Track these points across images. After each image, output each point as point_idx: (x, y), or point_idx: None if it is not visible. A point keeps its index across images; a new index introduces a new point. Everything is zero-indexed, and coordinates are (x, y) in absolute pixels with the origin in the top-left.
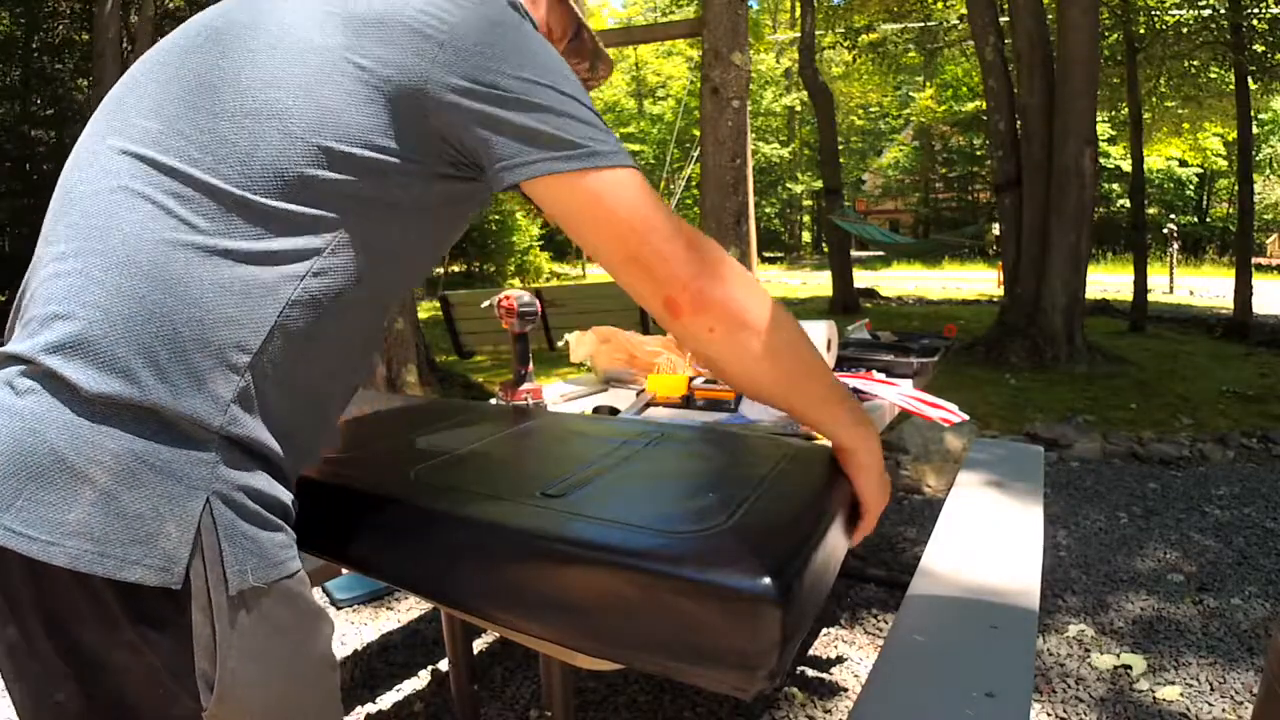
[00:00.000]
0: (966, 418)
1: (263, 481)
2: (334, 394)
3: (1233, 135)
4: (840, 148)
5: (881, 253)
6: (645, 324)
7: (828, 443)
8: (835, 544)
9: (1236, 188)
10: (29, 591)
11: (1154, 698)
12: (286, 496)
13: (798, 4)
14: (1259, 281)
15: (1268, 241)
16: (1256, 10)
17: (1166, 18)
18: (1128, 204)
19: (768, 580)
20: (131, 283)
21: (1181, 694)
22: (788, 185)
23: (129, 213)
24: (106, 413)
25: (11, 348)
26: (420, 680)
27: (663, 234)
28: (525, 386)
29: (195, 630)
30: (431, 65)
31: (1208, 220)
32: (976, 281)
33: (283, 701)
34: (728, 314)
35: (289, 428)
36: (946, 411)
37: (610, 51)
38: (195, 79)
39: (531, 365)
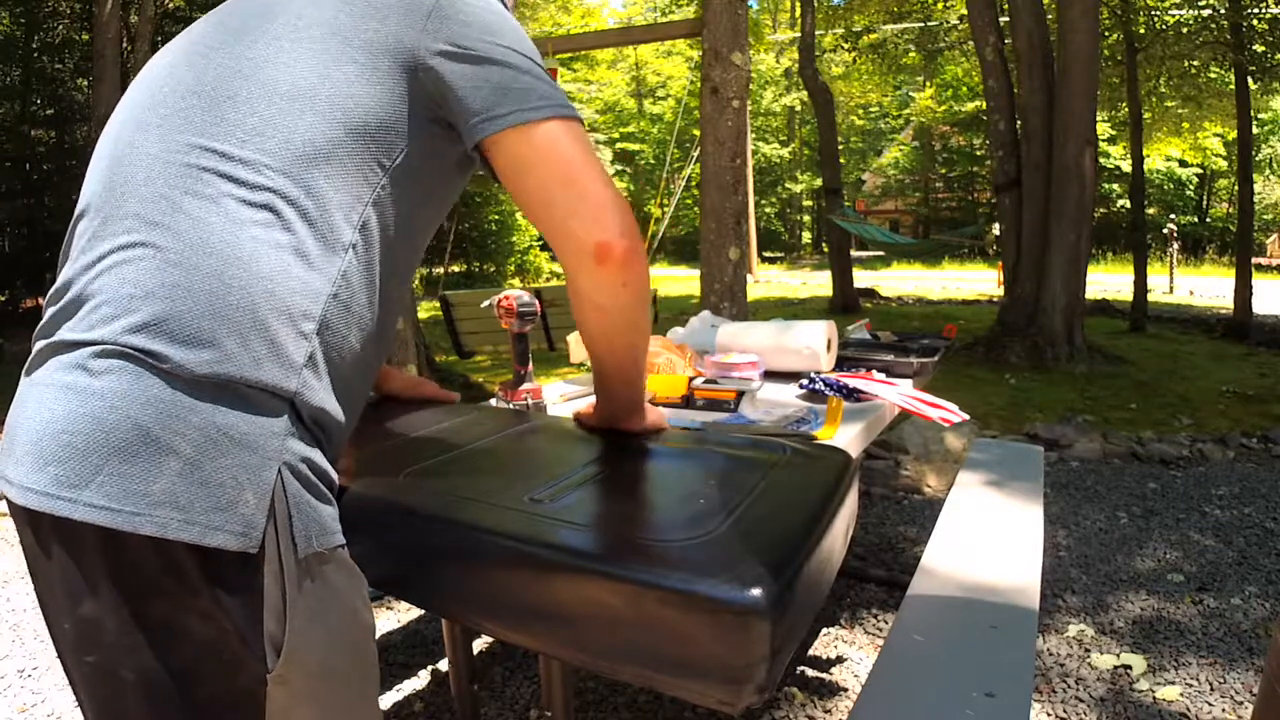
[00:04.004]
0: (966, 418)
1: (318, 456)
2: (375, 360)
3: (1233, 135)
4: (840, 148)
5: (881, 253)
6: None
7: (828, 442)
8: (831, 551)
9: (1236, 188)
10: (106, 566)
11: (1154, 698)
12: (334, 474)
13: (798, 4)
14: (1259, 281)
15: (1268, 241)
16: (1256, 10)
17: (1166, 18)
18: (1128, 204)
19: (757, 591)
20: (209, 262)
21: (1181, 694)
22: (788, 185)
23: (192, 199)
24: (189, 387)
25: (78, 335)
26: (420, 680)
27: (605, 182)
28: (525, 386)
29: (266, 593)
30: (421, 33)
31: (1208, 220)
32: (976, 281)
33: (337, 663)
34: (641, 276)
35: (345, 393)
36: (946, 411)
37: (610, 52)
38: (229, 67)
39: (531, 365)
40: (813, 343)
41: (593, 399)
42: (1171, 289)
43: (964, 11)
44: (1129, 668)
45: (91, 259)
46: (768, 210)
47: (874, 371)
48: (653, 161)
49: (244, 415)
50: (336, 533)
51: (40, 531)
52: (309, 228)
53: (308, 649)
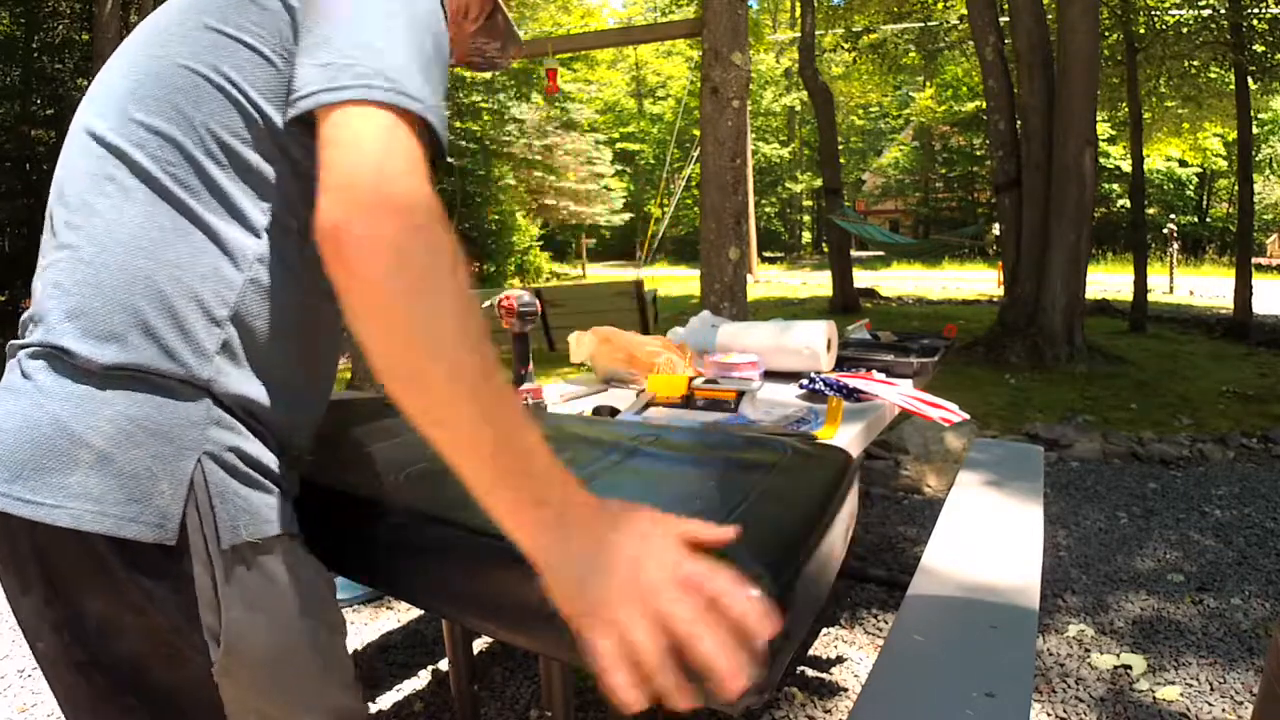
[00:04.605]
0: (967, 417)
1: (252, 445)
2: (313, 353)
3: (1233, 135)
4: (840, 148)
5: (881, 253)
6: (645, 324)
7: (829, 442)
8: (831, 551)
9: (1236, 188)
10: (38, 558)
11: (1154, 698)
12: (276, 461)
13: (798, 4)
14: (1259, 281)
15: (1268, 241)
16: (1256, 10)
17: (1166, 18)
18: (1128, 204)
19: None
20: (116, 256)
21: (1181, 694)
22: (788, 185)
23: (103, 197)
24: (103, 380)
25: (23, 339)
26: (420, 680)
27: (374, 154)
28: (525, 386)
29: (197, 583)
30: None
31: (1208, 220)
32: (976, 281)
33: (286, 656)
34: (366, 269)
35: (282, 380)
36: (946, 411)
37: (610, 52)
38: (141, 66)
39: (531, 365)
40: (813, 343)
41: (593, 400)
42: (1171, 289)
43: (964, 11)
44: (1129, 668)
45: (42, 267)
46: (768, 210)
47: (874, 371)
48: (653, 161)
49: (158, 405)
50: (274, 522)
51: None
52: (220, 216)
53: (249, 640)
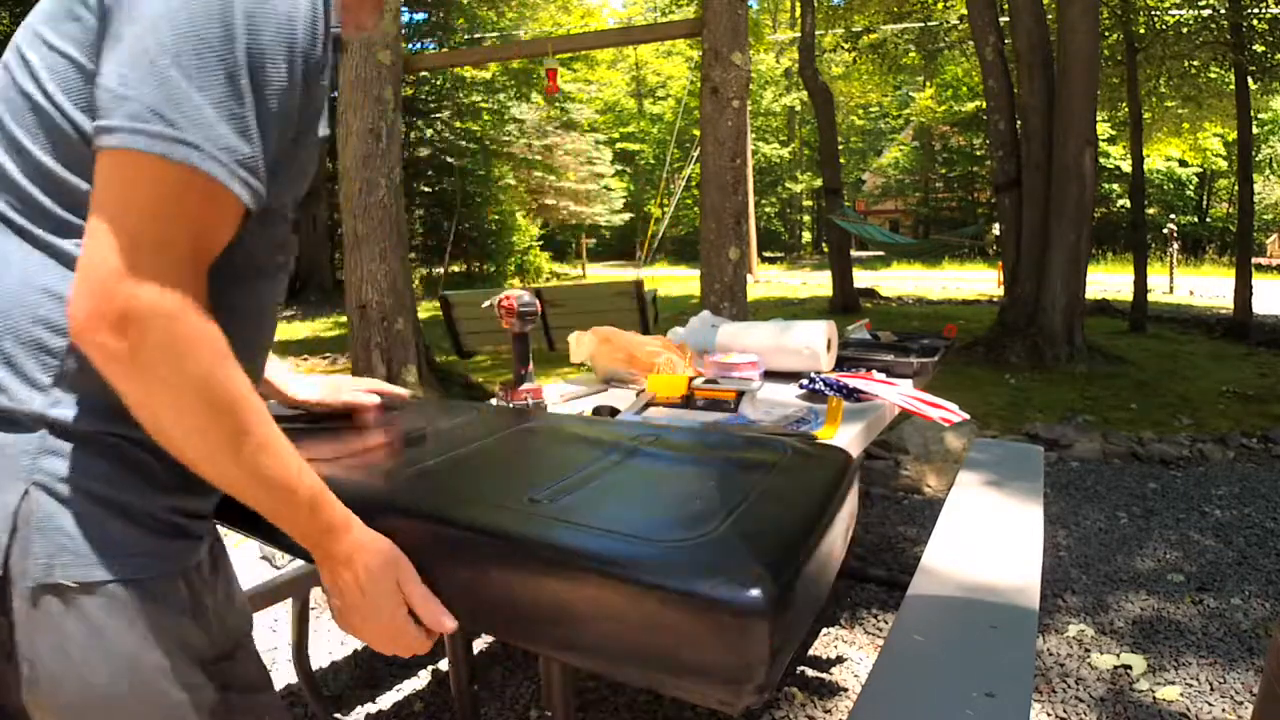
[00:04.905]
0: (967, 417)
1: (101, 478)
2: None
3: (1233, 135)
4: (840, 148)
5: (881, 253)
6: (645, 324)
7: (829, 442)
8: (831, 550)
9: (1236, 188)
10: None
11: (1154, 698)
12: (140, 494)
13: (798, 4)
14: (1259, 281)
15: (1268, 241)
16: (1256, 10)
17: (1166, 18)
18: (1128, 204)
19: (756, 591)
20: None
21: (1181, 694)
22: (788, 185)
23: None
24: None
25: None
26: (420, 680)
27: (125, 236)
28: (525, 386)
29: (15, 617)
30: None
31: (1208, 220)
32: (976, 281)
33: (107, 710)
34: (108, 372)
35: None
36: (946, 411)
37: (610, 52)
38: (3, 79)
39: (531, 365)
40: (813, 343)
41: (593, 400)
42: (1171, 289)
43: (964, 11)
44: (1129, 668)
45: None
46: (768, 210)
47: (874, 371)
48: (653, 161)
49: None
50: (116, 564)
51: None
52: (58, 238)
53: (63, 685)
